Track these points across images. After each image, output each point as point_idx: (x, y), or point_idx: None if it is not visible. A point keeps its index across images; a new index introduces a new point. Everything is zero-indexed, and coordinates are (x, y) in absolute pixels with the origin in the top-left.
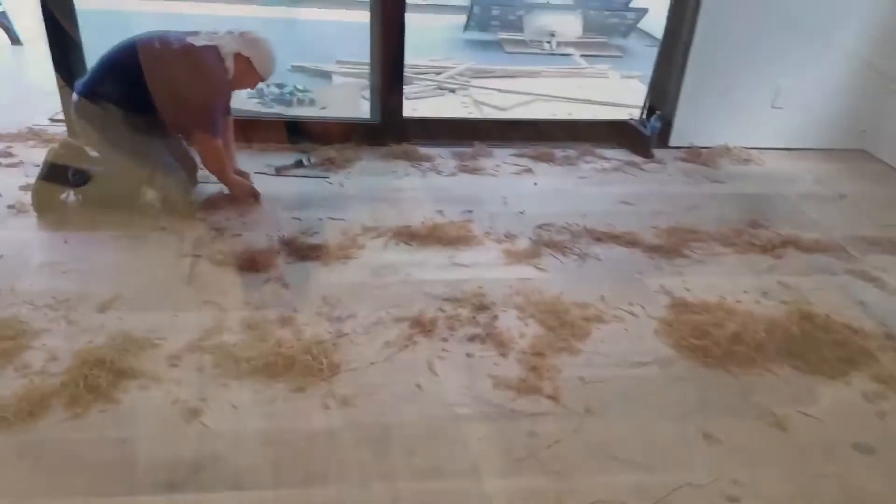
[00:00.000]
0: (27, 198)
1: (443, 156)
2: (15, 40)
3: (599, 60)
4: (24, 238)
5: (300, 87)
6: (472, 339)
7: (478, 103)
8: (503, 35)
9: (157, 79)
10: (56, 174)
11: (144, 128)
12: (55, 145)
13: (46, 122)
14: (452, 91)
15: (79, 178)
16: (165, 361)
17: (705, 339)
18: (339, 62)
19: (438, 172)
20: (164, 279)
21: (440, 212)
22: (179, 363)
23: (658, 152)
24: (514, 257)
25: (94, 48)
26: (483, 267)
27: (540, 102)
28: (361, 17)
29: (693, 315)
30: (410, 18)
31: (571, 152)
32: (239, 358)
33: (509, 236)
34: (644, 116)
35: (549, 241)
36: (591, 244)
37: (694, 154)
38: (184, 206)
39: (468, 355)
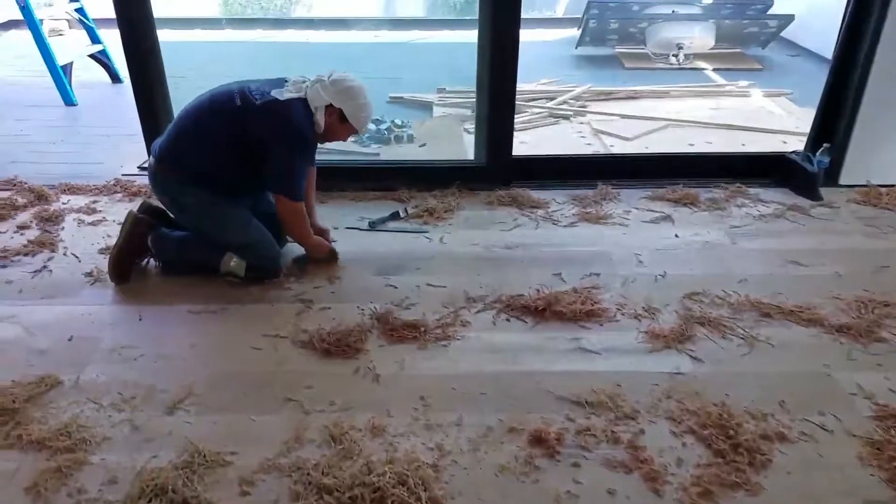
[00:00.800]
0: (105, 263)
1: (559, 200)
2: (115, 78)
3: (736, 75)
4: (97, 314)
5: (398, 121)
6: (612, 465)
7: (597, 133)
8: (621, 49)
9: (239, 139)
10: (135, 240)
11: (227, 189)
12: (134, 210)
13: (136, 170)
14: (567, 119)
15: (159, 244)
16: (236, 486)
17: None
18: (440, 91)
19: (555, 222)
20: (241, 367)
21: (559, 275)
22: (252, 490)
23: (826, 192)
24: (659, 341)
25: (180, 87)
26: (619, 354)
27: (671, 129)
28: (469, 37)
29: None
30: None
31: (718, 193)
32: (320, 486)
33: (650, 310)
34: (808, 149)
35: (702, 318)
36: (757, 322)
37: (873, 195)
38: (269, 274)
39: (609, 493)
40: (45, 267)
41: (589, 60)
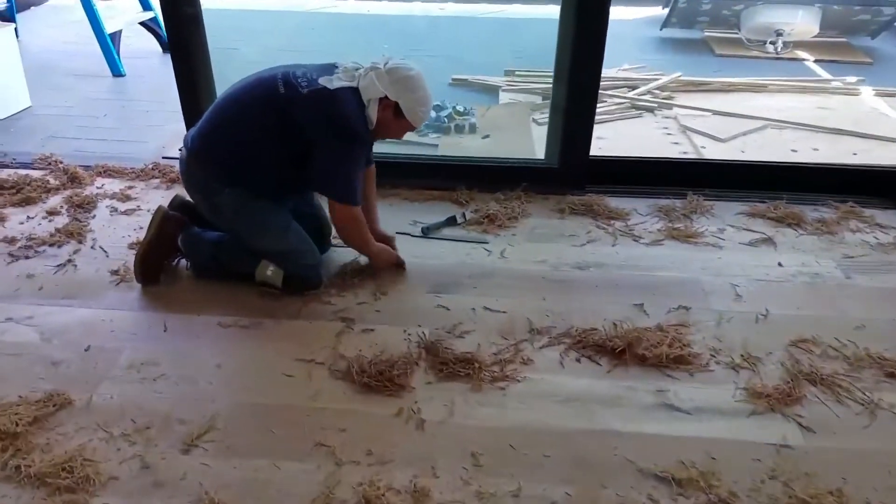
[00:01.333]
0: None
1: (641, 211)
2: (166, 47)
3: (841, 69)
4: (119, 320)
5: (460, 108)
6: None
7: (685, 130)
8: (710, 33)
9: (282, 132)
10: (164, 239)
11: (266, 189)
12: (164, 206)
13: (178, 153)
14: (651, 111)
15: (190, 246)
16: None
17: None
18: (507, 73)
19: (636, 239)
20: (270, 399)
21: (640, 307)
22: None
23: None
24: (761, 400)
25: (229, 61)
26: (713, 416)
27: (770, 130)
28: (541, 13)
29: None
30: None
31: (827, 213)
32: None
33: (749, 359)
34: None
35: (812, 373)
36: (879, 383)
37: None
38: (309, 285)
39: None
40: (69, 261)
41: (674, 44)
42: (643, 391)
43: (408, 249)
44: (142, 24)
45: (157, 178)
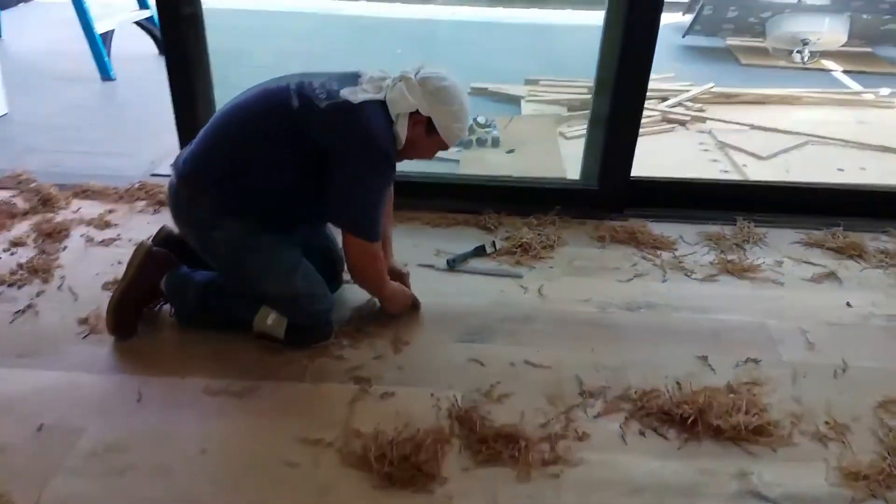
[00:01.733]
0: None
1: (688, 239)
2: (163, 49)
3: (869, 80)
4: (83, 388)
5: (481, 119)
6: None
7: (723, 146)
8: (733, 42)
9: (296, 153)
10: (145, 281)
11: (274, 221)
12: (147, 241)
13: (169, 169)
14: (682, 125)
15: (175, 289)
16: None
17: None
18: (529, 82)
19: (688, 273)
20: (266, 498)
21: (704, 360)
22: None
23: None
24: (859, 484)
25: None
26: None
27: (811, 146)
28: (564, 19)
29: None
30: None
31: (889, 243)
32: None
33: (836, 427)
34: None
35: None
36: None
37: None
38: (317, 336)
39: None
40: (30, 306)
41: (698, 52)
42: (723, 475)
43: (432, 286)
44: (137, 23)
45: (142, 199)
